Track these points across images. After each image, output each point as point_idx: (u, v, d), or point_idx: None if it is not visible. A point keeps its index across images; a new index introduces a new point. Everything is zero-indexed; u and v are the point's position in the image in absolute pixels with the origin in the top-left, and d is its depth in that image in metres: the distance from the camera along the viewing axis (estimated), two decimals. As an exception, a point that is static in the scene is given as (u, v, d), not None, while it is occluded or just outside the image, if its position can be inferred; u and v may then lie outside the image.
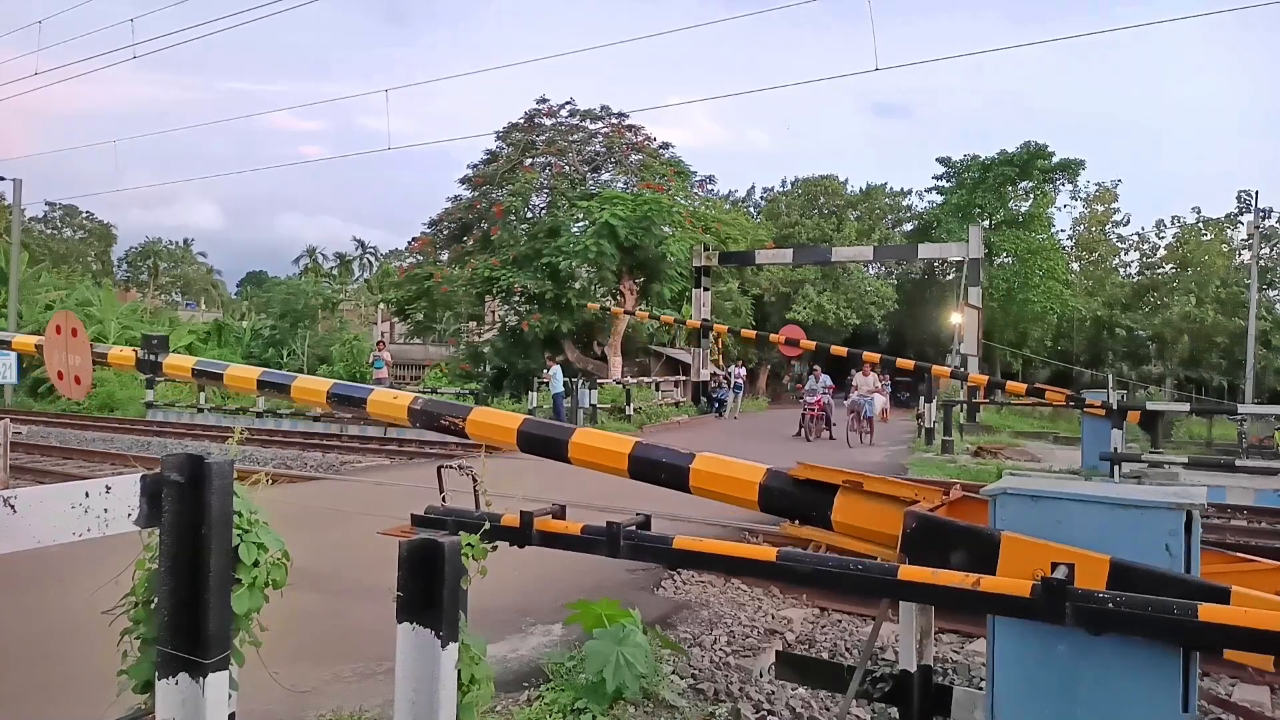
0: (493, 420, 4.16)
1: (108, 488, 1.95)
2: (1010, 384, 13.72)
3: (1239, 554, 3.12)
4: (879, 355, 21.70)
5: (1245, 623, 2.13)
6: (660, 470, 3.73)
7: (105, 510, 1.93)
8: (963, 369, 22.49)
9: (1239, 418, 23.86)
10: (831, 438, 20.58)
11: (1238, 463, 14.30)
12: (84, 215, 61.95)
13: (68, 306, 32.77)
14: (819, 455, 15.07)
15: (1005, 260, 40.28)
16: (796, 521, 3.40)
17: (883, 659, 5.38)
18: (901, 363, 18.52)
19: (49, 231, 59.97)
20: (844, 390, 21.62)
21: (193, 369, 5.12)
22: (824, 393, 20.37)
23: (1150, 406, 14.49)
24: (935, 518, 2.94)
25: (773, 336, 18.09)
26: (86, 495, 1.90)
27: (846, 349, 21.90)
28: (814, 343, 18.28)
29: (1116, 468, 11.69)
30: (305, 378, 4.68)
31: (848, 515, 3.24)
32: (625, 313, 26.98)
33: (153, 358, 5.10)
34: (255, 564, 2.24)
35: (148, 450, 17.03)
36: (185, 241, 71.78)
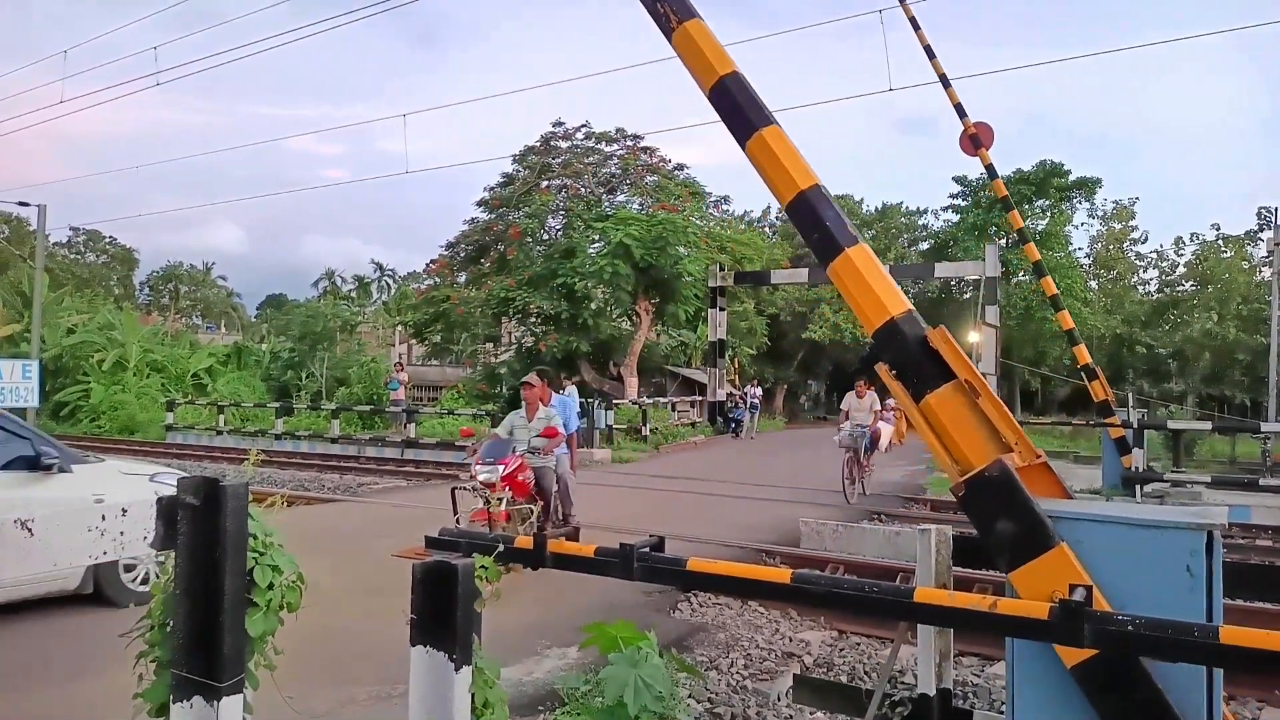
0: (706, 42, 3.62)
1: (124, 510, 1.96)
2: (1079, 348, 13.05)
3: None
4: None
5: (1269, 645, 2.09)
6: (815, 231, 3.38)
7: (121, 533, 1.95)
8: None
9: (1262, 436, 23.56)
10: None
11: (1262, 481, 14.13)
12: (107, 240, 62.76)
13: (90, 330, 33.15)
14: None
15: (1022, 278, 40.07)
16: (894, 373, 3.18)
17: (902, 682, 5.32)
18: (1097, 391, 12.99)
19: (72, 256, 60.75)
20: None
21: None
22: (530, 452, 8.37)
23: (1172, 425, 14.33)
24: (1017, 481, 2.83)
25: (965, 120, 12.60)
26: (103, 518, 1.91)
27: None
28: (990, 158, 12.87)
29: (1138, 487, 11.58)
30: None
31: (942, 408, 3.04)
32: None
33: None
34: (270, 586, 2.25)
35: (167, 472, 17.13)
36: (206, 265, 72.58)
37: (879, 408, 14.31)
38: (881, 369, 3.24)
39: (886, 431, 15.37)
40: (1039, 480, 3.03)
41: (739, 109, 3.52)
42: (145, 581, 6.09)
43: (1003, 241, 38.39)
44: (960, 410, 3.02)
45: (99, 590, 5.76)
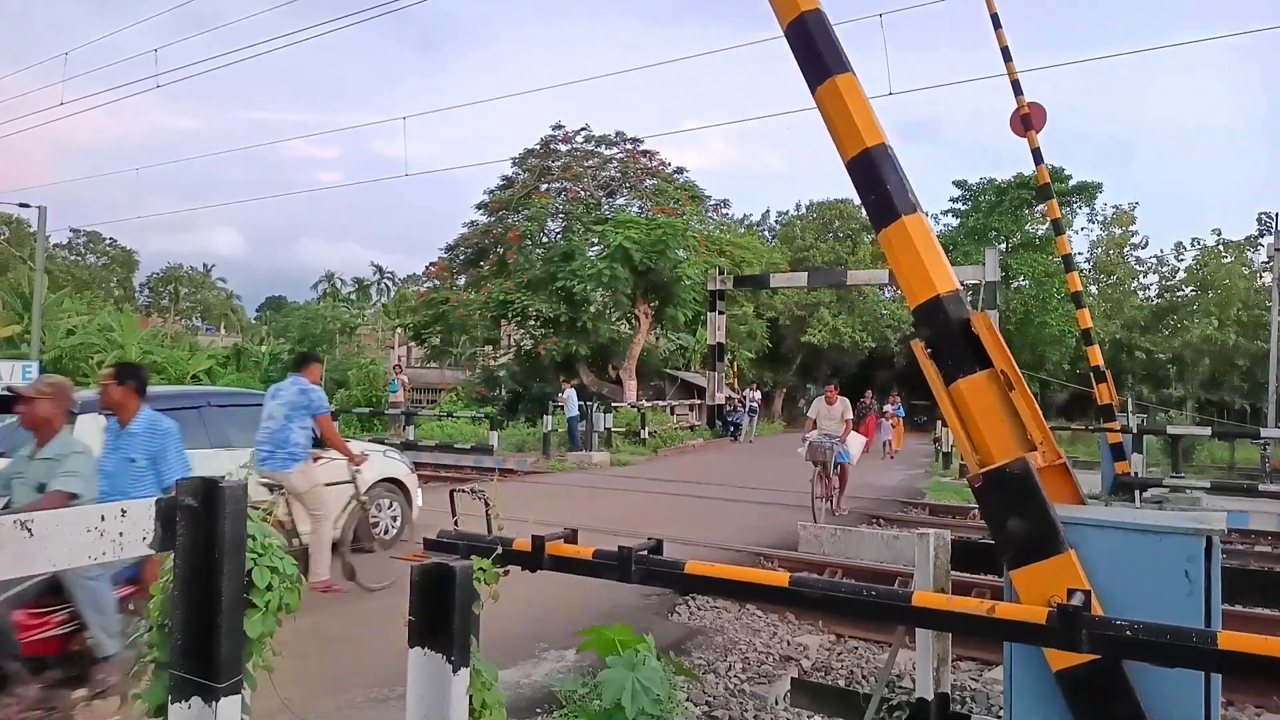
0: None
1: (123, 511, 1.96)
2: (1093, 349, 12.89)
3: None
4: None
5: (1267, 650, 2.09)
6: (873, 191, 3.29)
7: (120, 534, 1.95)
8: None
9: (1262, 441, 23.61)
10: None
11: (1261, 487, 14.13)
12: (107, 242, 62.73)
13: (89, 331, 33.13)
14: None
15: (1022, 283, 40.09)
16: (929, 351, 3.11)
17: (900, 687, 5.32)
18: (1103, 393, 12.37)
19: (72, 258, 60.71)
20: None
21: None
22: None
23: (1171, 430, 14.34)
24: (1037, 482, 2.81)
25: (1020, 98, 11.97)
26: (102, 519, 1.91)
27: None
28: (1039, 140, 12.09)
29: (1138, 492, 11.58)
30: None
31: (973, 396, 2.96)
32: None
33: None
34: (268, 588, 2.25)
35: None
36: (205, 267, 72.62)
37: (850, 416, 12.62)
38: (917, 346, 3.19)
39: (857, 445, 13.08)
40: (1056, 483, 3.01)
41: (815, 50, 3.34)
42: (386, 532, 8.73)
43: (1002, 246, 38.42)
44: (991, 400, 2.96)
45: (357, 537, 7.65)
